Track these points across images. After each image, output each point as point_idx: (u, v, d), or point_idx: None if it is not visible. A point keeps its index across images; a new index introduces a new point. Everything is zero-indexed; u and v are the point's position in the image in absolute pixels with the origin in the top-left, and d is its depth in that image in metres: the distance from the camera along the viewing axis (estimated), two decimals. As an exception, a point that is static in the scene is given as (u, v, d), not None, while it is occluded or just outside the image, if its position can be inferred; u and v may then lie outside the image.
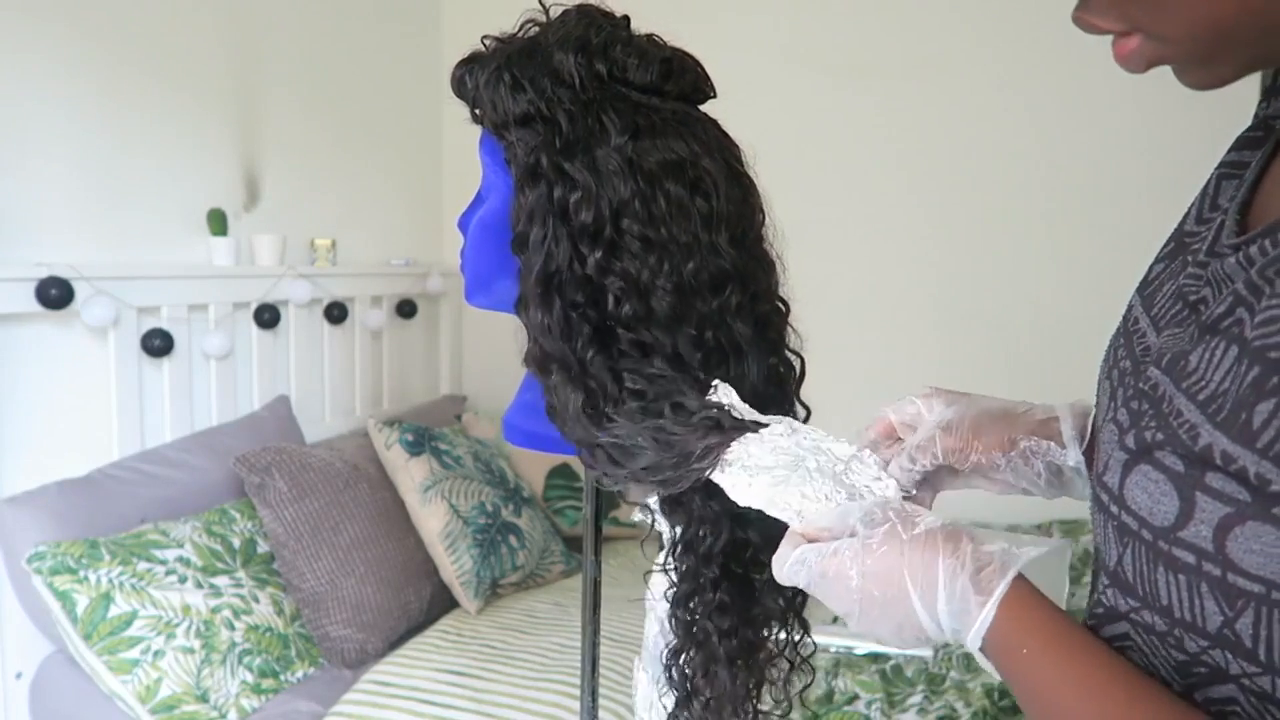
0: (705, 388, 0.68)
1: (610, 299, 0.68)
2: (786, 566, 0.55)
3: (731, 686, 0.76)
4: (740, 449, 0.62)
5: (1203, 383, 0.44)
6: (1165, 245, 0.59)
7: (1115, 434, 0.51)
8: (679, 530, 0.74)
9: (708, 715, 0.77)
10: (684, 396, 0.66)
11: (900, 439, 0.67)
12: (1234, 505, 0.42)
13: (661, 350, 0.68)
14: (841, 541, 0.53)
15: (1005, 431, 0.63)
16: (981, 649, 0.49)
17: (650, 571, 0.80)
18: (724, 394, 0.66)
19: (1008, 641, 0.48)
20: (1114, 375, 0.56)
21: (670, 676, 0.78)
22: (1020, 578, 0.49)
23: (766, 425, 0.64)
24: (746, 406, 0.66)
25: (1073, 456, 0.63)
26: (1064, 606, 0.49)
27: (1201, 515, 0.44)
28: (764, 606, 0.75)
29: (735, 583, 0.74)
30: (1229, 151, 0.58)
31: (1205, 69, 0.47)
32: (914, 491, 0.63)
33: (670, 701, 0.80)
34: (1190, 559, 0.45)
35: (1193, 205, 0.58)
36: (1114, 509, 0.50)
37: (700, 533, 0.72)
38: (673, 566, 0.76)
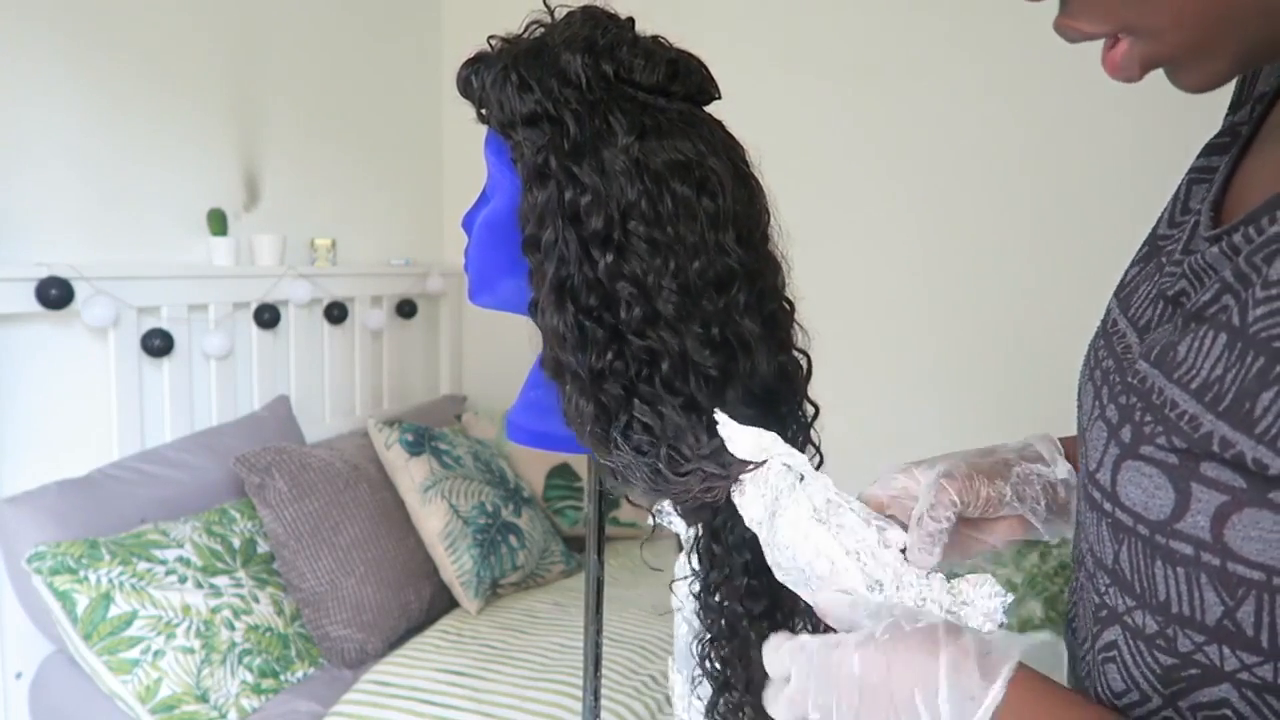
0: (713, 426, 0.66)
1: (621, 304, 0.68)
2: (783, 651, 0.53)
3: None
4: (756, 477, 0.62)
5: (1193, 371, 0.44)
6: (1140, 249, 0.60)
7: (1105, 431, 0.51)
8: (701, 526, 0.74)
9: (746, 701, 0.77)
10: (684, 443, 0.65)
11: (891, 515, 0.64)
12: (1230, 493, 0.43)
13: (670, 354, 0.68)
14: (844, 635, 0.52)
15: (995, 464, 0.63)
16: None
17: (675, 579, 0.79)
18: (722, 424, 0.64)
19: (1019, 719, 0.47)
20: (1096, 376, 0.56)
21: (705, 668, 0.78)
22: (1023, 664, 0.48)
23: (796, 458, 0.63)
24: (774, 437, 0.63)
25: (1062, 469, 0.63)
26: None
27: (1198, 506, 0.44)
28: None
29: (767, 566, 0.74)
30: (1198, 158, 0.58)
31: (1199, 65, 0.46)
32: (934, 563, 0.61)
33: (706, 693, 0.79)
34: (1188, 550, 0.45)
35: (1165, 210, 0.59)
36: (1108, 506, 0.50)
37: (728, 522, 0.72)
38: (698, 559, 0.76)
